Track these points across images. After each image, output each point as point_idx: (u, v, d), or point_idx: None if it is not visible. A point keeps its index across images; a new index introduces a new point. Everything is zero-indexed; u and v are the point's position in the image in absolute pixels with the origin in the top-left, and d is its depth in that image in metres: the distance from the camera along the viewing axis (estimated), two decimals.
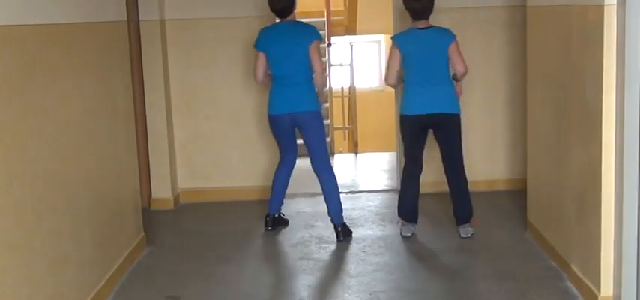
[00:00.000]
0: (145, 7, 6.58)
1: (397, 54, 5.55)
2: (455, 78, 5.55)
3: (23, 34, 3.64)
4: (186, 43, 6.82)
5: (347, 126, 10.41)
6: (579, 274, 4.52)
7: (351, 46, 10.38)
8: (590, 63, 4.25)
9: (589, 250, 4.36)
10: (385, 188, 7.35)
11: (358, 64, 10.23)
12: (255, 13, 6.65)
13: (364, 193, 7.16)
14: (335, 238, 5.73)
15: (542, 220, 5.36)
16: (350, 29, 12.71)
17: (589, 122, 4.28)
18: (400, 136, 5.80)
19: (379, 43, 15.06)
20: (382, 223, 6.13)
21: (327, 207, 5.78)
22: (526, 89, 5.64)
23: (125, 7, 5.47)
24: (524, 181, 5.86)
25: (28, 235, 3.65)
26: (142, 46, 6.63)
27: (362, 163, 8.82)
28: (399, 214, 5.85)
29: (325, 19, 11.23)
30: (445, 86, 5.52)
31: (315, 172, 5.80)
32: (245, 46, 6.68)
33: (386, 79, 5.72)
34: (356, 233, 5.84)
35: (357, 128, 9.94)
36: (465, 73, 5.51)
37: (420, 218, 5.82)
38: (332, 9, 11.52)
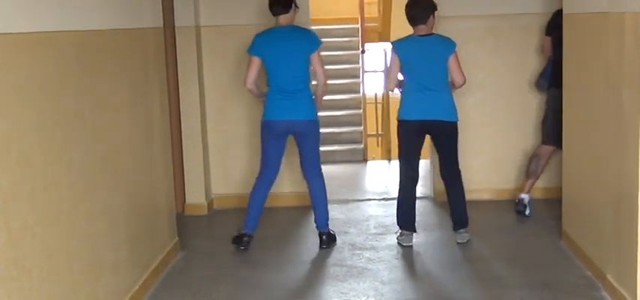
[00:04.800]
0: (180, 13, 6.63)
1: (396, 60, 5.57)
2: (452, 86, 5.61)
3: (60, 40, 3.69)
4: (221, 49, 6.86)
5: (380, 132, 10.39)
6: (615, 283, 4.47)
7: (385, 53, 10.35)
8: (627, 70, 4.20)
9: (625, 259, 4.30)
10: (418, 195, 7.28)
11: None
12: None
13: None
14: (367, 245, 5.74)
15: (577, 229, 5.30)
16: (384, 36, 12.68)
17: (626, 130, 4.23)
18: (397, 141, 5.77)
19: None
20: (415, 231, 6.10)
21: (315, 213, 5.76)
22: (562, 96, 5.59)
23: (161, 14, 5.52)
24: (559, 190, 5.80)
25: (65, 238, 3.69)
26: (177, 52, 6.68)
27: (395, 170, 8.78)
28: (399, 223, 5.77)
29: (359, 25, 11.23)
30: (443, 94, 5.54)
31: (306, 178, 5.77)
32: None
33: (386, 85, 5.72)
34: (389, 240, 5.84)
35: (389, 135, 9.91)
36: (462, 84, 5.58)
37: (452, 226, 5.78)
38: (366, 15, 11.50)
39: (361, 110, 10.24)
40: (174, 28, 6.63)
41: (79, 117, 3.89)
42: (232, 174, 7.03)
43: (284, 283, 5.09)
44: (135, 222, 4.77)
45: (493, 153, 6.90)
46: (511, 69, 6.80)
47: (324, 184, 5.75)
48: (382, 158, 10.08)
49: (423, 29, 5.51)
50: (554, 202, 6.22)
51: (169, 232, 5.57)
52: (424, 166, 8.26)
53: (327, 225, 5.78)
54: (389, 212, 6.64)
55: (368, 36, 11.37)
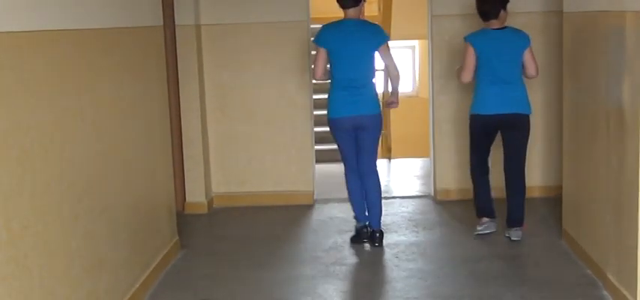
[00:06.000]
0: (181, 12, 6.63)
1: (473, 53, 5.50)
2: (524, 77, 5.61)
3: (61, 39, 3.69)
4: (221, 47, 6.87)
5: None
6: (615, 282, 4.47)
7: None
8: (627, 69, 4.21)
9: (626, 257, 4.30)
10: (418, 194, 7.32)
11: None
12: (290, 19, 6.68)
13: (397, 199, 7.14)
14: (369, 244, 5.73)
15: (577, 228, 5.30)
16: None
17: (626, 128, 4.23)
18: (469, 134, 5.74)
19: (413, 48, 15.01)
20: (415, 229, 6.11)
21: (368, 212, 5.71)
22: (562, 95, 5.59)
23: (161, 12, 5.52)
24: (559, 188, 5.80)
25: (65, 237, 3.69)
26: (177, 51, 6.68)
27: (395, 169, 8.80)
28: (479, 214, 5.77)
29: None
30: (519, 87, 5.54)
31: (361, 173, 5.66)
32: (279, 51, 6.73)
33: (463, 77, 5.60)
34: (389, 239, 5.83)
35: (390, 134, 9.92)
36: (536, 76, 5.59)
37: (455, 224, 5.79)
38: (366, 14, 11.46)
39: None
40: (174, 26, 6.63)
41: (79, 116, 3.89)
42: (232, 173, 7.04)
43: (284, 282, 5.10)
44: (135, 221, 4.77)
45: (494, 152, 6.90)
46: None
47: (378, 181, 5.68)
48: (383, 157, 10.09)
49: (495, 24, 5.53)
50: (554, 201, 6.22)
51: (170, 231, 5.57)
52: (424, 165, 8.31)
53: (380, 224, 5.71)
54: (389, 211, 6.64)
55: None
